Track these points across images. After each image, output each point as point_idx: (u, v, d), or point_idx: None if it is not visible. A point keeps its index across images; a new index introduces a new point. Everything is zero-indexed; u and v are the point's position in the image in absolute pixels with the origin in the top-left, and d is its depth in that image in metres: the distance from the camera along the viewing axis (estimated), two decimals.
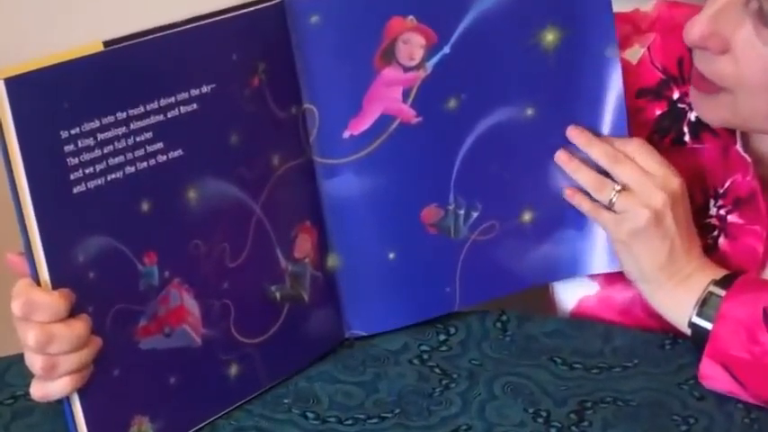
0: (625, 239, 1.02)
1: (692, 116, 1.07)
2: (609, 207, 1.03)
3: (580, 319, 1.10)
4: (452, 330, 1.07)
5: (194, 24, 0.90)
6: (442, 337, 1.06)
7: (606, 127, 1.06)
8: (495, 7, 1.01)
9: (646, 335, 1.06)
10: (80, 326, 0.86)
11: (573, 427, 0.95)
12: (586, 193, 1.05)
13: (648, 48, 1.10)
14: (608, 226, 1.04)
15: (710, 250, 1.06)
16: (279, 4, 0.97)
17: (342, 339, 1.06)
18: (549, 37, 1.03)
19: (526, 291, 1.09)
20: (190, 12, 0.91)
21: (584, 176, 1.05)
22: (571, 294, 1.13)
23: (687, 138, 1.08)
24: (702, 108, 1.02)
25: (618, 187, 1.03)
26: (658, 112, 1.09)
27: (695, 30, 0.96)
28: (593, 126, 1.06)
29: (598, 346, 1.05)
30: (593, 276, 1.11)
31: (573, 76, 1.05)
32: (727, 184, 1.07)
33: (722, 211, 1.07)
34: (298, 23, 0.98)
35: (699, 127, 1.07)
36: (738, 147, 1.06)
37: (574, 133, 1.05)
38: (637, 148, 1.04)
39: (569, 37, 1.03)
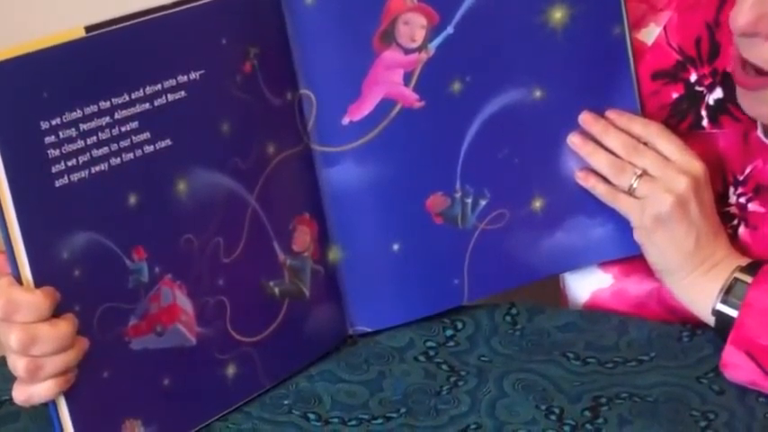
0: (649, 226, 1.00)
1: (711, 99, 1.05)
2: (628, 192, 1.01)
3: (594, 312, 1.08)
4: (460, 325, 1.05)
5: (181, 8, 0.89)
6: (450, 333, 1.04)
7: (616, 107, 1.03)
8: None
9: (662, 327, 1.04)
10: (65, 326, 0.84)
11: (587, 425, 0.93)
12: (599, 176, 1.03)
13: (664, 27, 1.07)
14: (630, 212, 1.02)
15: (730, 240, 1.03)
16: None
17: (345, 336, 1.03)
18: (557, 15, 1.01)
19: (537, 284, 1.07)
20: None
21: (602, 160, 1.02)
22: (584, 287, 1.10)
23: (705, 122, 1.05)
24: (752, 105, 0.99)
25: (638, 171, 1.01)
26: (675, 96, 1.06)
27: (741, 17, 0.93)
28: (605, 108, 1.03)
29: (613, 339, 1.03)
30: (606, 268, 1.09)
31: (582, 55, 1.03)
32: (747, 171, 1.05)
33: (742, 200, 1.05)
34: (292, 5, 0.96)
35: (718, 110, 1.05)
36: (759, 132, 1.03)
37: (587, 120, 1.03)
38: (656, 132, 1.02)
39: (577, 14, 1.01)
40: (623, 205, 1.02)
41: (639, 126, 1.03)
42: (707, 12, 1.06)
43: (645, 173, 1.01)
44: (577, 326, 1.05)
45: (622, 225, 1.04)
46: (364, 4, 0.97)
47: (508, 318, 1.06)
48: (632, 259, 1.06)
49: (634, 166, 1.01)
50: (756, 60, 0.95)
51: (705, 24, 1.06)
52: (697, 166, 1.00)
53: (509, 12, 1.00)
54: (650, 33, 1.08)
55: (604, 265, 1.08)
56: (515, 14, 1.00)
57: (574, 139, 1.04)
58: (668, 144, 1.01)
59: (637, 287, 1.08)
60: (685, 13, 1.07)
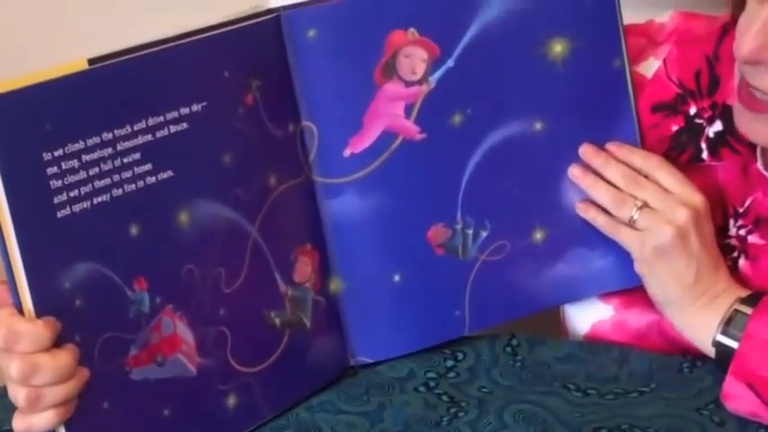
0: (649, 258, 1.01)
1: (710, 132, 1.05)
2: (629, 224, 1.02)
3: (594, 343, 1.08)
4: (460, 356, 1.05)
5: (184, 41, 0.89)
6: (450, 363, 1.04)
7: (616, 140, 1.04)
8: (500, 18, 1.00)
9: (663, 358, 1.04)
10: (66, 356, 0.84)
11: None
12: (600, 208, 1.04)
13: (664, 61, 1.08)
14: (630, 244, 1.02)
15: (730, 272, 1.03)
16: (274, 19, 0.96)
17: (346, 367, 1.04)
18: (557, 48, 1.02)
19: (537, 315, 1.07)
20: (181, 27, 0.90)
21: (602, 192, 1.03)
22: (584, 319, 1.11)
23: (705, 154, 1.06)
24: (753, 128, 0.99)
25: (639, 203, 1.01)
26: (675, 128, 1.07)
27: (746, 45, 0.94)
28: (605, 140, 1.04)
29: (613, 370, 1.03)
30: (607, 300, 1.09)
31: (582, 87, 1.03)
32: (747, 203, 1.05)
33: (742, 232, 1.05)
34: (294, 38, 0.97)
35: (717, 143, 1.05)
36: (759, 165, 1.04)
37: (588, 152, 1.04)
38: (656, 165, 1.03)
39: (577, 47, 1.02)
40: (624, 237, 1.02)
41: (639, 158, 1.03)
42: (706, 45, 1.07)
43: (645, 205, 1.01)
44: (578, 357, 1.05)
45: (623, 257, 1.04)
46: (366, 37, 0.98)
47: (509, 349, 1.06)
48: (633, 291, 1.06)
49: (634, 198, 1.01)
50: (762, 87, 0.95)
51: (705, 58, 1.06)
52: (697, 199, 1.01)
53: (509, 45, 1.01)
54: (650, 67, 1.09)
55: (605, 296, 1.09)
56: (516, 47, 1.01)
57: (574, 172, 1.04)
58: (668, 176, 1.02)
59: (637, 319, 1.08)
60: (685, 47, 1.08)
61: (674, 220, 1.00)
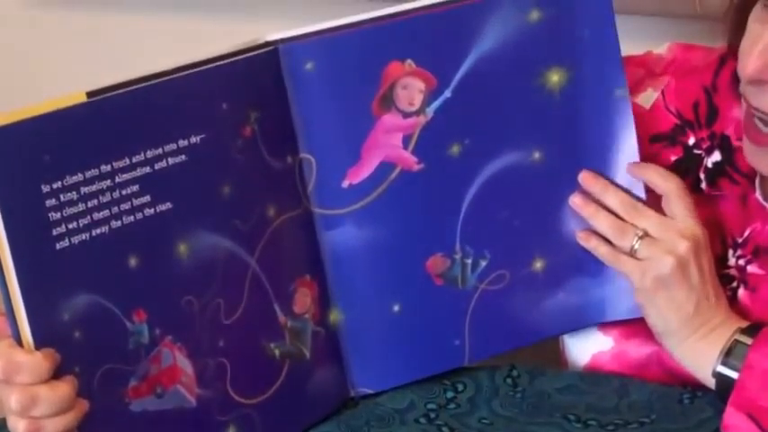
0: (649, 288, 1.01)
1: (709, 162, 1.06)
2: (629, 254, 1.02)
3: (594, 374, 1.08)
4: (460, 387, 1.05)
5: (182, 73, 0.91)
6: (450, 395, 1.04)
7: (618, 170, 1.05)
8: (497, 49, 1.01)
9: (663, 389, 1.04)
10: (65, 387, 0.85)
11: None
12: (601, 237, 1.04)
13: (662, 92, 1.09)
14: (631, 274, 1.02)
15: (730, 302, 1.04)
16: (272, 51, 0.97)
17: (346, 398, 1.04)
18: (555, 77, 1.03)
19: (537, 345, 1.07)
20: (180, 60, 0.91)
21: (603, 221, 1.03)
22: (584, 350, 1.11)
23: (704, 185, 1.06)
24: (759, 161, 1.00)
25: (640, 232, 1.01)
26: (674, 158, 1.07)
27: (750, 65, 0.95)
28: (605, 169, 1.05)
29: (614, 401, 1.03)
30: (607, 331, 1.09)
31: (581, 117, 1.04)
32: (746, 234, 1.05)
33: (741, 262, 1.05)
34: (292, 70, 0.98)
35: (716, 173, 1.06)
36: (758, 194, 1.04)
37: (587, 179, 1.04)
38: (674, 190, 1.02)
39: (575, 77, 1.03)
40: (624, 267, 1.02)
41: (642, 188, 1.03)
42: (704, 76, 1.08)
43: (646, 234, 1.01)
44: (578, 388, 1.05)
45: (624, 286, 1.04)
46: (363, 69, 0.99)
47: (509, 380, 1.06)
48: (633, 322, 1.06)
49: (635, 227, 1.02)
50: (765, 108, 0.96)
51: (703, 89, 1.07)
52: (697, 230, 1.01)
53: (506, 75, 1.01)
54: (648, 98, 1.09)
55: (605, 327, 1.09)
56: (512, 78, 1.02)
57: (575, 200, 1.05)
58: (668, 206, 1.02)
59: (637, 350, 1.08)
60: (683, 78, 1.09)
61: (674, 251, 1.00)
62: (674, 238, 1.00)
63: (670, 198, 1.02)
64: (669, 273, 1.00)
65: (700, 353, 1.01)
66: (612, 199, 1.03)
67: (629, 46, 1.08)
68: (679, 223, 1.01)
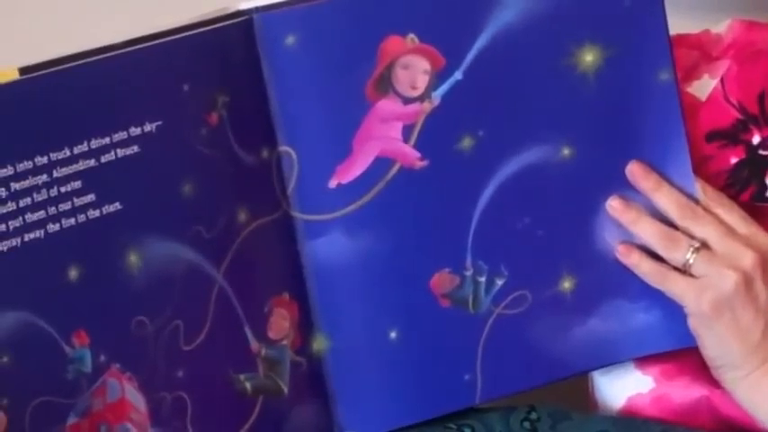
0: (707, 312, 1.01)
1: None
2: (682, 270, 1.03)
3: (630, 420, 1.08)
4: (468, 431, 1.06)
5: (135, 47, 0.92)
6: None
7: (665, 170, 1.05)
8: (519, 22, 1.02)
9: None
10: None
11: None
12: (645, 252, 1.05)
13: (721, 79, 1.10)
14: (683, 295, 1.03)
15: None
16: (246, 22, 0.98)
17: None
18: (589, 57, 1.04)
19: (561, 384, 1.08)
20: (133, 31, 0.93)
21: (649, 229, 1.04)
22: (618, 391, 1.11)
23: None
24: None
25: (696, 244, 1.02)
26: (734, 161, 1.08)
27: None
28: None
29: None
30: (645, 369, 1.10)
31: (620, 106, 1.05)
32: None
33: None
34: (270, 45, 0.99)
35: None
36: None
37: (636, 172, 1.04)
38: (715, 199, 1.04)
39: (614, 57, 1.04)
40: (675, 287, 1.03)
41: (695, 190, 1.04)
42: None
43: (703, 245, 1.02)
44: None
45: (672, 310, 1.05)
46: (356, 44, 1.00)
47: (527, 424, 1.07)
48: (678, 358, 1.07)
49: (690, 236, 1.02)
50: None
51: None
52: (765, 242, 1.02)
53: (530, 54, 1.03)
54: (704, 86, 1.10)
55: (644, 364, 1.09)
56: (537, 57, 1.03)
57: (614, 204, 1.05)
58: (730, 213, 1.03)
59: (682, 393, 1.08)
60: (746, 64, 1.10)
61: (738, 265, 1.01)
62: (738, 249, 1.01)
63: (717, 209, 1.03)
64: (732, 292, 1.00)
65: (766, 390, 1.02)
66: (666, 199, 1.03)
67: (681, 22, 1.09)
68: (742, 234, 1.02)
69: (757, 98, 1.08)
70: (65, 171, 0.89)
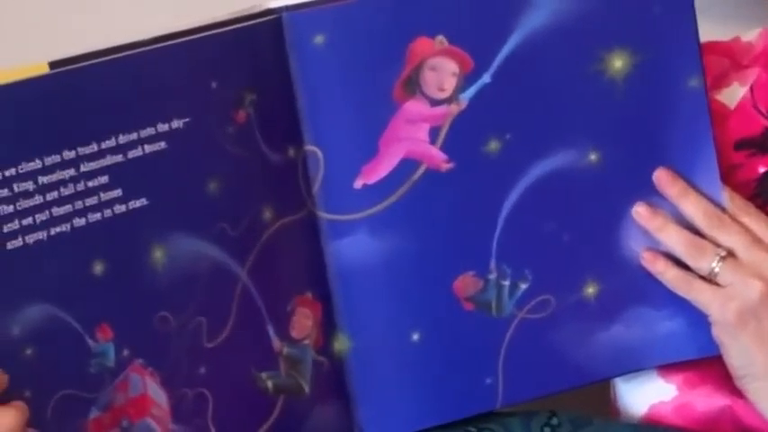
0: (733, 321, 1.02)
1: None
2: (708, 278, 1.03)
3: (652, 428, 1.09)
4: None
5: (164, 44, 0.93)
6: None
7: (693, 177, 1.06)
8: (548, 26, 1.03)
9: None
10: (13, 415, 0.87)
11: None
12: (671, 259, 1.05)
13: (751, 88, 1.10)
14: (709, 304, 1.03)
15: None
16: (275, 21, 0.99)
17: None
18: (618, 63, 1.04)
19: (583, 390, 1.08)
20: (163, 28, 0.94)
21: (675, 237, 1.04)
22: (640, 399, 1.11)
23: None
24: None
25: (722, 252, 1.03)
26: (762, 170, 1.09)
27: None
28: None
29: None
30: (668, 377, 1.10)
31: (648, 112, 1.06)
32: None
33: None
34: (298, 45, 1.00)
35: None
36: None
37: (663, 178, 1.05)
38: (742, 207, 1.04)
39: (643, 62, 1.04)
40: (701, 295, 1.03)
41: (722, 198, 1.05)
42: None
43: (730, 254, 1.02)
44: None
45: (696, 318, 1.05)
46: (384, 45, 1.01)
47: (547, 429, 1.07)
48: (701, 367, 1.08)
49: (716, 245, 1.03)
50: None
51: None
52: None
53: (558, 58, 1.03)
54: (733, 94, 1.11)
55: (667, 372, 1.10)
56: (566, 61, 1.04)
57: (640, 210, 1.05)
58: (757, 222, 1.03)
59: (706, 402, 1.09)
60: None
61: (765, 275, 1.01)
62: (764, 259, 1.01)
63: (744, 218, 1.03)
64: (758, 302, 1.01)
65: None
66: (693, 207, 1.04)
67: (711, 29, 1.09)
68: None
69: None
70: (92, 166, 0.90)
